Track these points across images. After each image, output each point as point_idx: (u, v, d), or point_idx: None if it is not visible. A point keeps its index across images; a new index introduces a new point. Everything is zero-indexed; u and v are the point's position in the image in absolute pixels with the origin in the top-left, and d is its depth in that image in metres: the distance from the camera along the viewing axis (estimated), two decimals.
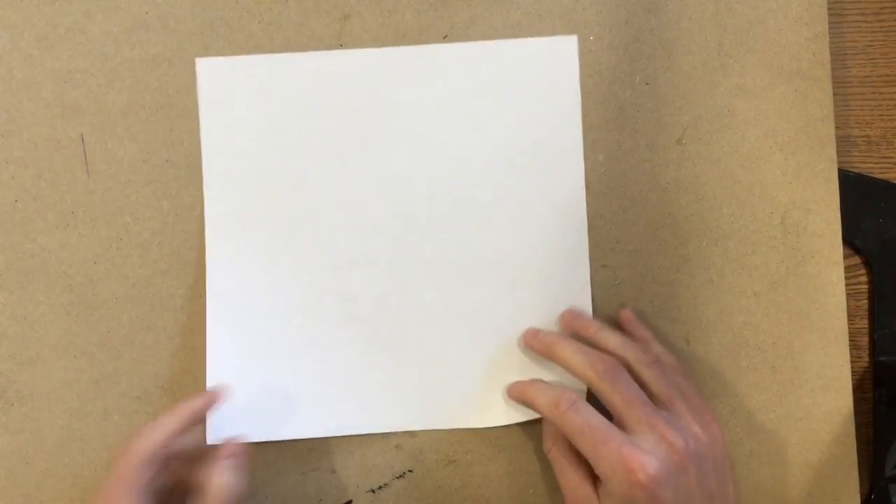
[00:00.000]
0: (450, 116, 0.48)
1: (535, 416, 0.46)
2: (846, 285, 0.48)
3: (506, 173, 0.48)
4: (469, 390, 0.47)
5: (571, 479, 0.42)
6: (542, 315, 0.47)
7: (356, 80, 0.48)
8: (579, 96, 0.48)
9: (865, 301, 0.49)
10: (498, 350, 0.47)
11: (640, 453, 0.39)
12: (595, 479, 0.41)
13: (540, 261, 0.47)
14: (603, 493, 0.40)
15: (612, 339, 0.44)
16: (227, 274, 0.47)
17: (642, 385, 0.42)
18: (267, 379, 0.47)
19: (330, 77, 0.48)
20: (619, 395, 0.41)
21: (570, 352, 0.44)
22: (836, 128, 0.48)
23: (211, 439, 0.46)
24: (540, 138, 0.48)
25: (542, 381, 0.45)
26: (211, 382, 0.47)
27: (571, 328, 0.46)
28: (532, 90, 0.48)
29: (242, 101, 0.48)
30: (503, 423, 0.47)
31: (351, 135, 0.48)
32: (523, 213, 0.48)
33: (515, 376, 0.47)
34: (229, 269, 0.47)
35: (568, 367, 0.44)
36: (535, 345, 0.46)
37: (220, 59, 0.48)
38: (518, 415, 0.47)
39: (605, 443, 0.40)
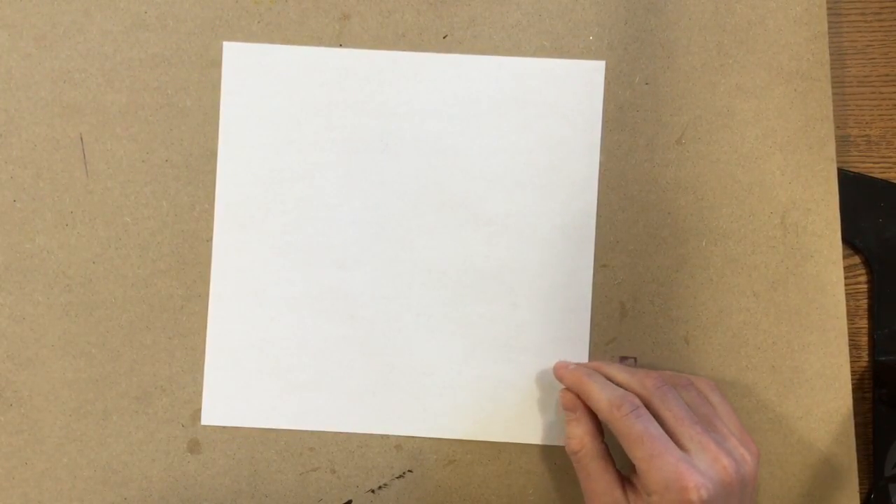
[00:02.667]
0: (468, 127, 0.48)
1: (525, 439, 0.47)
2: (846, 285, 0.48)
3: (518, 190, 0.48)
4: (459, 402, 0.47)
5: (599, 483, 0.42)
6: (539, 333, 0.47)
7: (381, 82, 0.48)
8: (601, 123, 0.48)
9: (865, 301, 0.49)
10: (492, 364, 0.47)
11: (697, 473, 0.38)
12: (623, 486, 0.41)
13: (542, 281, 0.47)
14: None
15: (642, 370, 0.44)
16: (231, 261, 0.47)
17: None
18: (264, 369, 0.47)
19: (354, 76, 0.48)
20: (669, 411, 0.41)
21: (617, 370, 0.44)
22: (836, 127, 0.48)
23: (206, 421, 0.47)
24: (556, 159, 0.48)
25: (602, 377, 0.44)
26: (210, 368, 0.47)
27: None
28: (554, 111, 0.48)
29: (264, 89, 0.48)
30: (492, 440, 0.47)
31: (368, 135, 0.48)
32: (531, 232, 0.47)
33: (507, 392, 0.47)
34: (234, 258, 0.47)
35: (617, 384, 0.43)
36: (580, 367, 0.46)
37: (247, 44, 0.48)
38: (507, 433, 0.47)
39: (661, 455, 0.39)
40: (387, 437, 0.47)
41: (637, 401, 0.41)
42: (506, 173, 0.48)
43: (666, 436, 0.40)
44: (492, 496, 0.47)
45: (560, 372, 0.46)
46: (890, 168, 0.50)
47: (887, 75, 0.50)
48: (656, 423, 0.40)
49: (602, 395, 0.42)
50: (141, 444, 0.47)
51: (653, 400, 0.41)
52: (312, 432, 0.47)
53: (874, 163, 0.50)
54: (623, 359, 0.47)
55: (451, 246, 0.47)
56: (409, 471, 0.47)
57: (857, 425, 0.47)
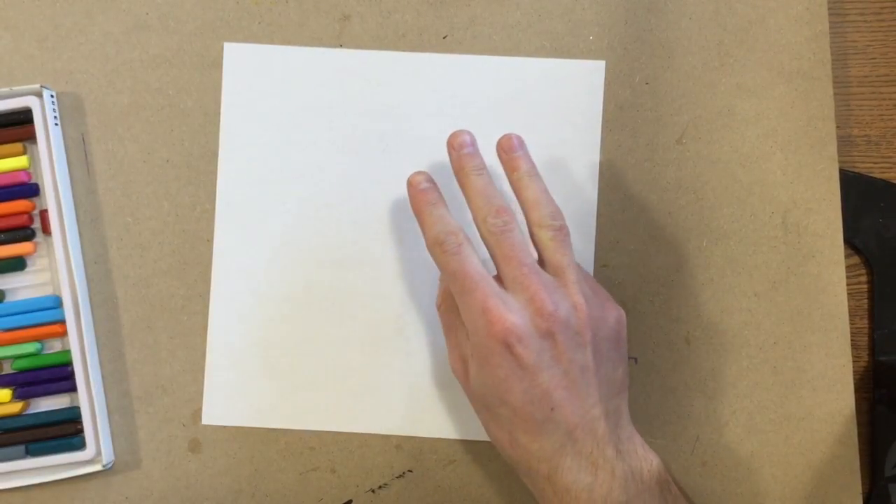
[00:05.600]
0: (468, 127, 0.48)
1: None
2: (846, 285, 0.48)
3: None
4: (459, 402, 0.47)
5: (453, 337, 0.42)
6: None
7: (381, 82, 0.48)
8: (601, 122, 0.48)
9: (865, 301, 0.49)
10: None
11: (504, 309, 0.38)
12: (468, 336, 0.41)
13: None
14: (471, 347, 0.40)
15: (529, 192, 0.42)
16: (231, 261, 0.48)
17: (540, 250, 0.41)
18: (264, 369, 0.47)
19: (354, 76, 0.48)
20: (500, 250, 0.39)
21: (475, 191, 0.41)
22: (837, 127, 0.48)
23: (206, 420, 0.47)
24: (556, 159, 0.48)
25: (444, 208, 0.41)
26: (210, 368, 0.47)
27: (502, 158, 0.43)
28: (554, 111, 0.48)
29: (265, 89, 0.48)
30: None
31: (368, 135, 0.48)
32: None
33: None
34: (234, 258, 0.48)
35: (468, 205, 0.41)
36: (457, 160, 0.42)
37: (248, 45, 0.48)
38: None
39: (471, 292, 0.38)
40: (387, 437, 0.48)
41: (462, 237, 0.40)
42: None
43: (482, 274, 0.39)
44: (492, 496, 0.47)
45: (409, 190, 0.42)
46: (890, 168, 0.49)
47: (888, 75, 0.50)
48: (476, 261, 0.39)
49: (429, 233, 0.41)
50: (142, 444, 0.47)
51: (489, 237, 0.40)
52: (312, 432, 0.47)
53: (874, 163, 0.49)
54: None
55: None
56: (409, 471, 0.47)
57: (857, 425, 0.47)
